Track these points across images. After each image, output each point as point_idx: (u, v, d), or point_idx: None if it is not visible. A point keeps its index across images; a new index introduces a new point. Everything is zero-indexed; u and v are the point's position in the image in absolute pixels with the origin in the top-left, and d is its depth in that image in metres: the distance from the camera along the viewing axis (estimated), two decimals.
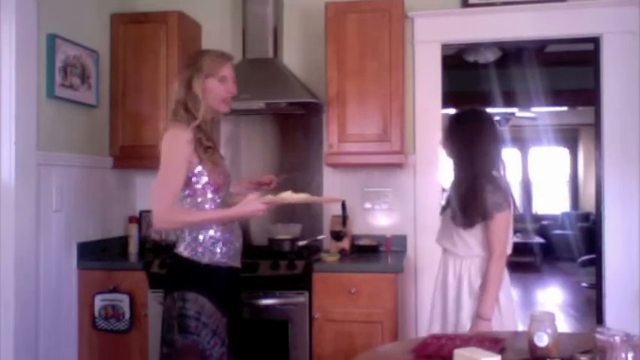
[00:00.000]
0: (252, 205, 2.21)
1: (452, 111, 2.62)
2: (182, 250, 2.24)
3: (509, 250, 2.41)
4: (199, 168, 2.21)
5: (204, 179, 2.22)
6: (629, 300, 3.19)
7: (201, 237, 2.22)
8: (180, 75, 2.32)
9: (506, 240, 2.39)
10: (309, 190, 3.39)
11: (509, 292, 2.46)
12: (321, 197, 2.80)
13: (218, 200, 2.27)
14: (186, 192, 2.24)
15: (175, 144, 2.17)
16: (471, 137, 2.43)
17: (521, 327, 2.36)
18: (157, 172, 2.18)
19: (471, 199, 2.36)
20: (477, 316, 2.32)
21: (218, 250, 2.24)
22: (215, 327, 2.20)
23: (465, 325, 2.34)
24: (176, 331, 2.18)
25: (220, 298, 2.23)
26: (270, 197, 2.31)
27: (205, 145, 2.22)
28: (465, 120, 2.53)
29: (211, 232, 2.23)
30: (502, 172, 2.45)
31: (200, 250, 2.22)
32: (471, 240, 2.42)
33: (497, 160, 2.45)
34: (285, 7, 3.54)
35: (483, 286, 2.35)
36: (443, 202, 2.67)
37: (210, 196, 2.25)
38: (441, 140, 2.62)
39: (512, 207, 2.41)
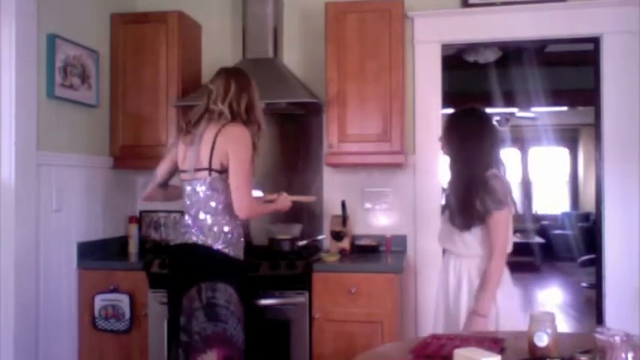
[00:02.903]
0: (286, 201, 2.69)
1: (452, 111, 2.61)
2: (211, 243, 2.39)
3: (509, 249, 2.39)
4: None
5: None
6: (629, 300, 3.18)
7: (230, 233, 2.42)
8: (240, 86, 2.47)
9: (507, 239, 2.36)
10: (309, 189, 3.44)
11: (510, 291, 2.42)
12: (305, 197, 3.10)
13: None
14: None
15: (249, 141, 2.43)
16: (467, 136, 2.42)
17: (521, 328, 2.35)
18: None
19: (468, 202, 2.35)
20: (473, 312, 2.30)
21: (240, 245, 2.47)
22: (240, 315, 2.39)
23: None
24: (203, 319, 2.36)
25: (243, 288, 2.43)
26: (294, 196, 2.79)
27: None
28: (461, 118, 2.52)
29: (239, 229, 2.46)
30: (501, 173, 2.42)
31: (228, 244, 2.41)
32: (470, 240, 2.40)
33: (495, 161, 2.42)
34: (285, 7, 3.54)
35: (482, 284, 2.33)
36: (443, 202, 2.67)
37: None
38: (440, 139, 2.60)
39: (511, 206, 2.38)
